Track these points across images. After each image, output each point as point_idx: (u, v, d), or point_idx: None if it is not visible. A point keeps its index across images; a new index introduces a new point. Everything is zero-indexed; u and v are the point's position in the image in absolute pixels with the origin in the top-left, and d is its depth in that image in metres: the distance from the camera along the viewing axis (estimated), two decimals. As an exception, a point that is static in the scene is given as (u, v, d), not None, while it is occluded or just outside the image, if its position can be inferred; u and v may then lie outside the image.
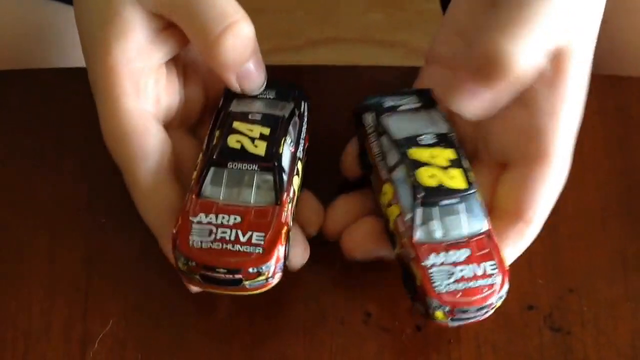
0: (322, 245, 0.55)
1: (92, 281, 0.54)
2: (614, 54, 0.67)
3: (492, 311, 0.51)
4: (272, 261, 0.49)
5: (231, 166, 0.51)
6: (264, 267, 0.49)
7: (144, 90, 0.52)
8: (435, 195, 0.51)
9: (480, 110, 0.51)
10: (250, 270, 0.49)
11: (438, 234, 0.51)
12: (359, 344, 0.53)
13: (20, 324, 0.53)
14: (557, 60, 0.51)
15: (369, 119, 0.54)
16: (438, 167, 0.52)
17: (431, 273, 0.50)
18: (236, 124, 0.52)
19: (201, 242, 0.49)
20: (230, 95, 0.53)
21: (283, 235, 0.50)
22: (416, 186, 0.51)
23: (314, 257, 0.55)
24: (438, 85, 0.55)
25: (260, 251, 0.49)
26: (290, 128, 0.53)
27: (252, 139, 0.52)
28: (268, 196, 0.51)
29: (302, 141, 0.54)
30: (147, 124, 0.52)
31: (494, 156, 0.55)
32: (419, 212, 0.51)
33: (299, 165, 0.53)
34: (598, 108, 0.60)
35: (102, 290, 0.54)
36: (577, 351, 0.54)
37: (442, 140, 0.53)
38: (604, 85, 0.60)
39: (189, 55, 0.55)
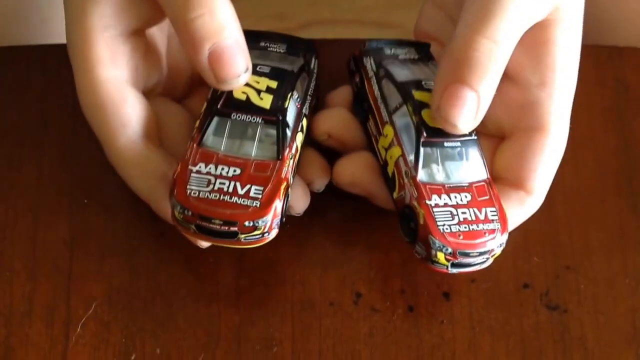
0: (310, 226, 0.54)
1: (75, 263, 0.53)
2: (604, 23, 0.66)
3: (492, 259, 0.50)
4: (269, 216, 0.48)
5: (235, 117, 0.50)
6: (260, 222, 0.48)
7: (120, 58, 0.51)
8: (438, 136, 0.50)
9: (472, 120, 0.49)
10: (246, 223, 0.48)
11: (440, 177, 0.50)
12: (350, 325, 0.52)
13: (1, 307, 0.52)
14: (540, 32, 0.50)
15: (369, 63, 0.54)
16: None
17: (435, 212, 0.49)
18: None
19: (199, 191, 0.48)
20: None
21: (282, 191, 0.49)
22: (421, 125, 0.50)
23: (301, 238, 0.54)
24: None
25: (257, 205, 0.48)
26: (298, 83, 0.52)
27: (259, 92, 0.51)
28: (270, 150, 0.50)
29: (309, 98, 0.53)
30: (124, 93, 0.51)
31: (490, 129, 0.53)
32: (422, 151, 0.50)
33: (304, 122, 0.52)
34: (596, 80, 0.58)
35: (86, 272, 0.53)
36: (574, 329, 0.52)
37: None
38: (602, 56, 0.59)
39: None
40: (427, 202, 0.49)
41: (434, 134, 0.50)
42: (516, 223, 0.52)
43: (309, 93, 0.53)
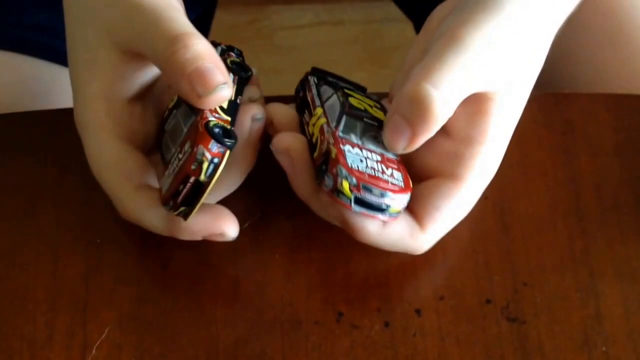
0: (297, 254, 0.61)
1: (90, 293, 0.60)
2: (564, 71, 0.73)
3: (393, 214, 0.55)
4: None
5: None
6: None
7: (121, 123, 0.58)
8: (360, 112, 0.58)
9: (402, 149, 0.55)
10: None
11: (357, 141, 0.57)
12: (333, 340, 0.58)
13: (26, 334, 0.58)
14: (480, 101, 0.56)
15: (312, 80, 0.62)
16: (367, 103, 0.59)
17: (347, 153, 0.55)
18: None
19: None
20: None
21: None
22: (346, 102, 0.58)
23: (289, 266, 0.60)
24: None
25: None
26: None
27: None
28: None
29: None
30: (127, 151, 0.58)
31: (416, 173, 0.58)
32: (345, 118, 0.57)
33: None
34: (544, 121, 0.65)
35: (99, 301, 0.59)
36: (532, 339, 0.58)
37: (374, 101, 0.60)
38: (549, 102, 0.66)
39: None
40: (341, 146, 0.55)
41: (356, 111, 0.58)
42: (401, 249, 0.58)
43: None
